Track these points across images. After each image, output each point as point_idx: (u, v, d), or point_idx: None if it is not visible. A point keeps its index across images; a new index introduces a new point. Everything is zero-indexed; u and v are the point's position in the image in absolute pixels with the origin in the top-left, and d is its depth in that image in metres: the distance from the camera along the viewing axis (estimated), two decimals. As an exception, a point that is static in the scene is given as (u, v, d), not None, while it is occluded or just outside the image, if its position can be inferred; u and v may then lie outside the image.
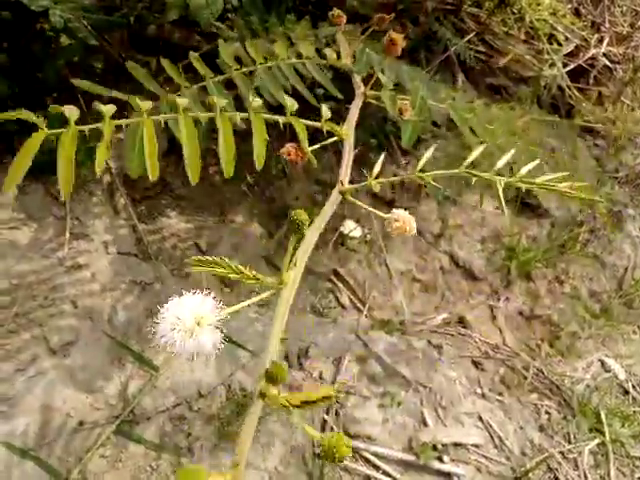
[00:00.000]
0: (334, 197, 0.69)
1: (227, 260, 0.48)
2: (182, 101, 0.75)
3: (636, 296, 1.94)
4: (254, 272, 0.49)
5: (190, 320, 0.44)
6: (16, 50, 1.25)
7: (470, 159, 0.72)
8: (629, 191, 2.18)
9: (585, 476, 1.41)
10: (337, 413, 1.27)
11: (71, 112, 0.65)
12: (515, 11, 1.66)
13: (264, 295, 0.49)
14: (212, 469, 1.16)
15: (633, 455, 1.52)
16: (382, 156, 0.73)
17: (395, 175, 1.66)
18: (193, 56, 0.96)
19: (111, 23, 1.28)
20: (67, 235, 1.25)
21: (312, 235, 0.58)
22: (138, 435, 1.14)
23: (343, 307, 1.53)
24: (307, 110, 1.02)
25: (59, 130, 0.66)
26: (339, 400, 1.30)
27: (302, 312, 1.44)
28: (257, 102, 0.77)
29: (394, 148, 1.66)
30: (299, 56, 1.05)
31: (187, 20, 1.28)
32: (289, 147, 0.77)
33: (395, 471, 1.23)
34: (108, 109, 0.69)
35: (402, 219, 0.65)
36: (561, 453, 1.44)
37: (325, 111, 0.78)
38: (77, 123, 0.69)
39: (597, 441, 1.50)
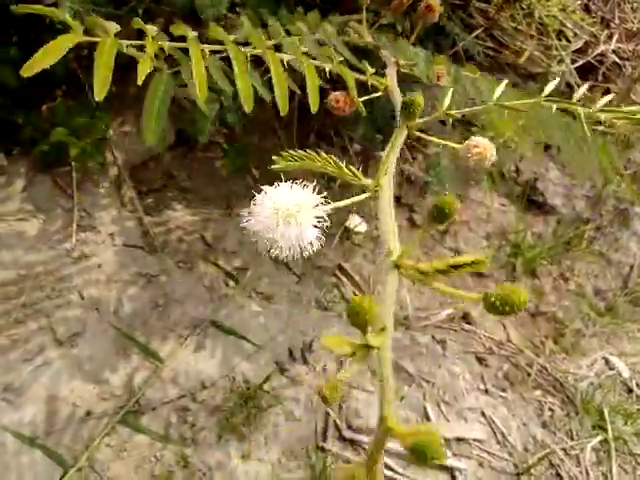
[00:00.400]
0: (402, 130, 0.64)
1: (320, 153, 0.44)
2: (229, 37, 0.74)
3: (641, 294, 1.94)
4: (352, 168, 0.47)
5: (292, 206, 0.40)
6: (26, 43, 1.25)
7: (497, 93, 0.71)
8: (637, 188, 2.16)
9: (587, 473, 1.42)
10: (340, 406, 1.27)
11: (110, 26, 0.66)
12: (524, 7, 1.65)
13: (363, 197, 0.46)
14: (216, 460, 1.17)
15: (635, 452, 1.52)
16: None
17: (402, 172, 1.66)
18: (213, 28, 0.93)
19: (120, 16, 1.28)
20: (74, 227, 1.26)
21: (396, 151, 0.56)
22: (143, 425, 1.15)
23: (347, 302, 1.54)
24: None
25: (96, 39, 0.65)
26: (343, 394, 1.30)
27: (307, 306, 1.45)
28: (304, 49, 0.75)
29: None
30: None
31: (196, 13, 1.28)
32: (337, 95, 0.74)
33: (398, 465, 1.23)
34: (150, 28, 0.69)
35: (482, 145, 0.60)
36: (563, 450, 1.44)
37: (368, 67, 0.76)
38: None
39: (599, 438, 1.50)
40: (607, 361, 1.77)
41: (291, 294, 1.44)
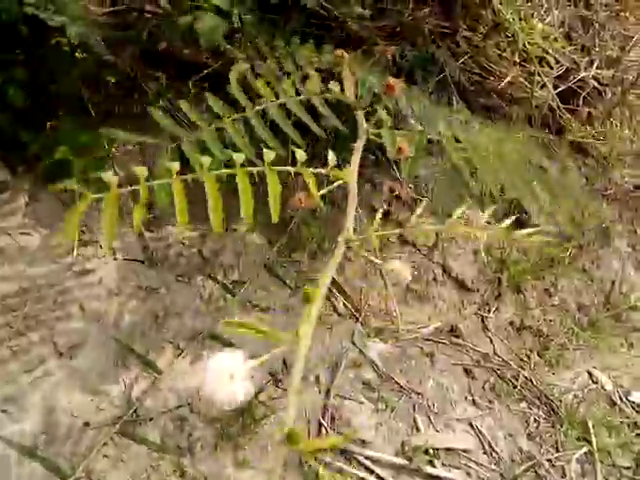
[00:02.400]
0: (340, 247, 0.76)
1: (253, 323, 0.57)
2: (205, 161, 0.82)
3: (623, 310, 2.00)
4: (276, 331, 0.57)
5: (226, 374, 0.52)
6: (32, 63, 1.31)
7: (456, 215, 0.79)
8: (618, 208, 2.25)
9: (572, 484, 1.46)
10: (333, 417, 1.31)
11: (111, 179, 0.74)
12: (508, 35, 1.74)
13: (281, 349, 0.56)
14: (212, 469, 1.20)
15: (619, 465, 1.57)
16: (381, 210, 0.80)
17: (392, 190, 1.72)
18: (210, 96, 1.02)
19: (124, 39, 1.34)
20: (76, 241, 1.30)
21: (320, 295, 0.64)
22: (140, 435, 1.18)
23: (339, 314, 1.58)
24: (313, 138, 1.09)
25: (102, 195, 0.76)
26: (334, 405, 1.34)
27: (300, 319, 1.49)
28: (270, 155, 0.83)
29: (390, 162, 1.72)
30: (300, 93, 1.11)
31: (196, 38, 1.34)
32: (299, 197, 0.83)
33: (388, 474, 1.27)
34: (142, 171, 0.77)
35: (397, 269, 0.73)
36: (549, 461, 1.48)
37: (331, 158, 0.84)
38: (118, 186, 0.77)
39: (584, 450, 1.54)
40: (590, 374, 1.83)
41: (286, 307, 1.48)
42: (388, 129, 0.96)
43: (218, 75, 1.34)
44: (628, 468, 1.56)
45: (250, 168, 0.83)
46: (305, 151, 0.84)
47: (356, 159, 0.90)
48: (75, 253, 1.29)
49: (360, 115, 0.98)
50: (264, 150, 0.85)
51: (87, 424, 1.16)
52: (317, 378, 1.37)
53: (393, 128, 0.95)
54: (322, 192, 0.85)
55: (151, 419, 1.20)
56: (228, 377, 0.52)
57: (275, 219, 0.85)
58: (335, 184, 0.86)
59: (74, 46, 1.27)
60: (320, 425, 1.29)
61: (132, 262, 1.34)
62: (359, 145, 0.93)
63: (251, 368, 0.53)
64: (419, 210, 0.78)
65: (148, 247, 1.37)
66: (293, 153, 0.88)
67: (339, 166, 0.86)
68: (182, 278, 1.39)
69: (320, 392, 1.36)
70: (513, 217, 0.82)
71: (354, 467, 1.26)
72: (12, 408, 1.12)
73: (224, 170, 0.84)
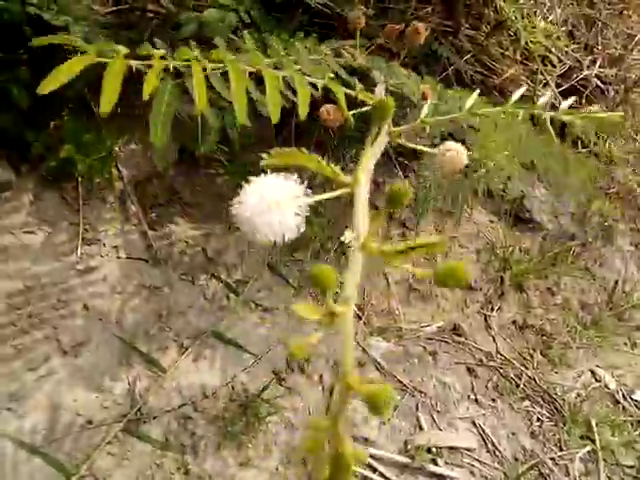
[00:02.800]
0: (384, 137, 0.68)
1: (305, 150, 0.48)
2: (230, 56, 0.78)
3: (626, 308, 2.00)
4: (332, 165, 0.51)
5: (276, 195, 0.43)
6: (36, 63, 1.31)
7: (469, 104, 0.76)
8: (620, 207, 2.24)
9: (575, 482, 1.46)
10: (336, 415, 1.31)
11: (121, 48, 0.70)
12: (511, 33, 1.74)
13: (342, 191, 0.50)
14: (215, 468, 1.20)
15: (623, 463, 1.57)
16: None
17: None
18: (215, 50, 0.99)
19: (127, 39, 1.34)
20: (80, 240, 1.30)
21: (377, 150, 0.59)
22: (144, 433, 1.18)
23: (343, 314, 1.58)
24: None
25: (108, 59, 0.69)
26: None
27: (304, 318, 1.49)
28: (298, 67, 0.80)
29: (393, 162, 1.73)
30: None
31: (200, 37, 1.34)
32: (328, 107, 0.76)
33: (391, 473, 1.27)
34: (159, 51, 0.73)
35: (454, 148, 0.64)
36: (552, 459, 1.49)
37: (358, 84, 0.80)
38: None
39: (588, 448, 1.54)
40: (594, 373, 1.82)
41: (289, 306, 1.49)
42: (412, 75, 0.94)
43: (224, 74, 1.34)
44: (632, 467, 1.56)
45: (277, 72, 0.78)
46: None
47: (381, 89, 0.86)
48: (79, 251, 1.29)
49: (376, 72, 0.95)
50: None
51: (91, 422, 1.16)
52: (321, 377, 1.38)
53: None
54: (353, 112, 0.77)
55: (155, 417, 1.20)
56: (278, 200, 0.43)
57: (303, 115, 0.75)
58: (363, 108, 0.81)
59: (77, 46, 1.27)
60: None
61: (136, 260, 1.35)
62: (381, 84, 0.89)
63: (305, 198, 0.44)
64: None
65: (152, 246, 1.38)
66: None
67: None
68: (186, 277, 1.40)
69: (324, 390, 1.36)
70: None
71: (357, 465, 1.26)
72: (16, 406, 1.13)
73: (247, 66, 0.77)
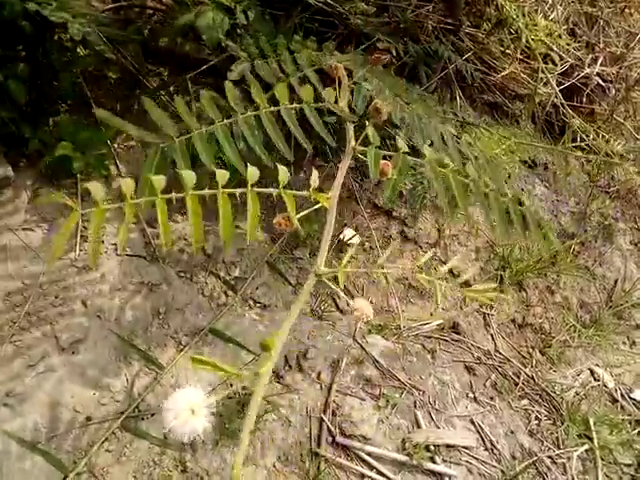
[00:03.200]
0: (310, 282, 0.78)
1: (215, 360, 0.62)
2: (188, 177, 0.83)
3: (625, 307, 2.00)
4: (236, 371, 0.64)
5: (186, 411, 0.57)
6: (34, 59, 1.31)
7: (422, 261, 0.82)
8: (620, 205, 2.24)
9: (573, 481, 1.46)
10: (334, 413, 1.31)
11: (97, 190, 0.75)
12: (512, 31, 1.73)
13: (240, 385, 0.64)
14: (213, 465, 1.21)
15: (621, 462, 1.57)
16: (356, 242, 0.84)
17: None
18: (204, 96, 1.02)
19: (126, 36, 1.34)
20: (78, 237, 1.30)
21: (277, 346, 0.67)
22: (143, 430, 1.18)
23: (341, 311, 1.58)
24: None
25: (90, 210, 0.78)
26: (336, 401, 1.35)
27: (302, 315, 1.49)
28: (254, 175, 0.83)
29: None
30: (300, 101, 1.11)
31: (197, 34, 1.34)
32: (280, 218, 0.87)
33: (389, 471, 1.27)
34: (129, 186, 0.77)
35: (360, 307, 0.77)
36: (550, 458, 1.49)
37: (314, 179, 0.84)
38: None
39: (586, 447, 1.55)
40: (592, 372, 1.83)
41: (287, 304, 1.49)
42: (374, 149, 0.96)
43: (219, 71, 1.33)
44: (629, 465, 1.56)
45: (232, 190, 0.83)
46: (294, 159, 0.84)
47: (338, 183, 0.91)
48: (78, 249, 1.29)
49: (350, 129, 0.99)
50: (248, 168, 0.85)
51: (89, 419, 1.17)
52: (319, 375, 1.38)
53: (379, 147, 0.95)
54: (300, 215, 0.87)
55: (153, 414, 1.20)
56: (188, 413, 0.57)
57: (251, 238, 0.86)
58: (315, 207, 0.89)
59: (76, 42, 1.27)
60: (321, 421, 1.30)
61: (134, 258, 1.35)
62: (344, 165, 0.94)
63: (209, 405, 0.58)
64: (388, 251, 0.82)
65: (150, 243, 1.38)
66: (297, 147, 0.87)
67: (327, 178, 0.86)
68: (184, 274, 1.40)
69: (322, 388, 1.36)
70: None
71: (355, 463, 1.27)
72: (15, 403, 1.13)
73: (206, 191, 0.84)
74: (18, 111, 1.28)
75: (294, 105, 1.09)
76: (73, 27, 1.20)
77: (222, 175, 0.82)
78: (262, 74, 1.14)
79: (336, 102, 1.06)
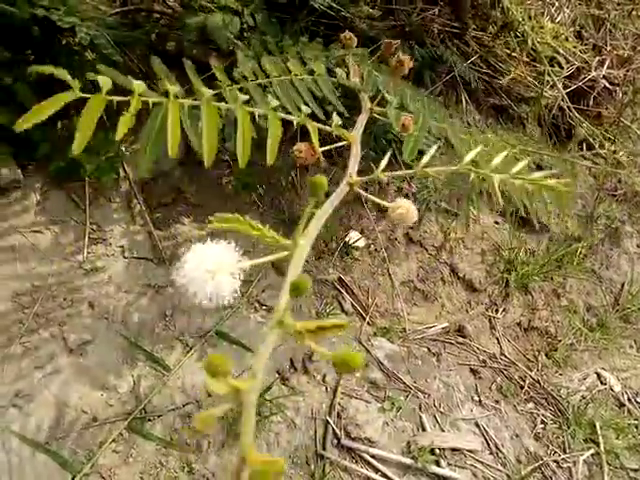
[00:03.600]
0: (342, 187, 0.71)
1: (248, 218, 0.51)
2: (207, 92, 0.79)
3: (632, 311, 1.99)
4: (272, 232, 0.53)
5: (212, 264, 0.45)
6: (43, 63, 1.32)
7: (469, 157, 0.76)
8: (627, 209, 2.23)
9: (579, 485, 1.45)
10: (339, 415, 1.32)
11: (105, 81, 0.70)
12: (518, 34, 1.73)
13: (279, 255, 0.52)
14: (219, 466, 1.21)
15: (627, 467, 1.56)
16: (389, 153, 0.77)
17: (400, 189, 1.72)
18: (215, 66, 1.02)
19: (133, 39, 1.35)
20: (86, 240, 1.31)
21: (324, 211, 0.60)
22: (149, 432, 1.19)
23: (346, 314, 1.59)
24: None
25: (89, 95, 0.68)
26: (341, 404, 1.35)
27: (308, 317, 1.50)
28: (274, 102, 0.82)
29: (393, 164, 1.72)
30: (311, 73, 1.12)
31: (205, 37, 1.35)
32: (301, 145, 0.79)
33: (393, 473, 1.27)
34: (138, 86, 0.73)
35: (405, 207, 0.67)
36: (556, 462, 1.48)
37: (335, 118, 0.82)
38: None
39: (592, 451, 1.54)
40: (599, 376, 1.82)
41: (293, 306, 1.49)
42: (393, 108, 0.95)
43: (227, 72, 1.34)
44: (636, 470, 1.55)
45: (251, 108, 0.81)
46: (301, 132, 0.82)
47: (360, 126, 0.88)
48: (85, 251, 1.30)
49: (365, 96, 0.98)
50: (268, 96, 0.83)
51: (96, 420, 1.17)
52: (324, 377, 1.38)
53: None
54: (324, 148, 0.80)
55: (159, 416, 1.21)
56: (212, 269, 0.45)
57: (271, 160, 0.80)
58: (338, 144, 0.84)
59: (84, 46, 1.28)
60: (327, 423, 1.30)
61: (141, 260, 1.36)
62: (362, 118, 0.92)
63: (241, 264, 0.46)
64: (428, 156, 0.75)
65: (157, 246, 1.39)
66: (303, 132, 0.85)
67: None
68: (190, 276, 1.40)
69: (327, 391, 1.36)
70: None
71: (360, 465, 1.27)
72: (23, 403, 1.14)
73: (222, 104, 0.81)
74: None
75: (306, 76, 1.07)
76: (81, 31, 1.21)
77: (242, 97, 0.78)
78: (268, 68, 1.14)
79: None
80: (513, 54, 1.75)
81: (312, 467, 1.23)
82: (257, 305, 1.47)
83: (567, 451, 1.52)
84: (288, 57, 1.18)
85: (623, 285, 2.04)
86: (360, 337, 1.52)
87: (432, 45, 1.51)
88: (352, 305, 1.60)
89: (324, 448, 1.26)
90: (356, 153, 0.82)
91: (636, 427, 1.67)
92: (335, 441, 1.28)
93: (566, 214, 1.78)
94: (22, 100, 1.25)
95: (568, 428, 1.57)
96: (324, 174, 0.58)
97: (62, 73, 0.70)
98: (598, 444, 1.55)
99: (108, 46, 1.25)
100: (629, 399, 1.77)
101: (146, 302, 1.31)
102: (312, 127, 0.80)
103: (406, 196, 1.78)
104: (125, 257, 1.34)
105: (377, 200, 0.73)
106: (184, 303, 1.36)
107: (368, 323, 1.58)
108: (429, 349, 1.57)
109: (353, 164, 0.78)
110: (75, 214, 1.33)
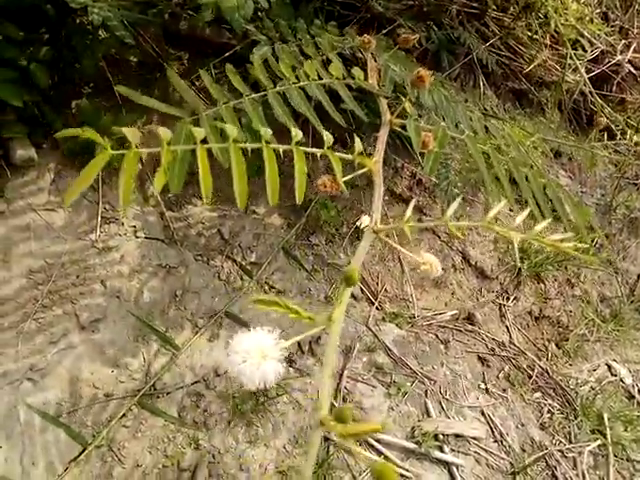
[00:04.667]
0: (368, 238, 0.74)
1: (287, 301, 0.56)
2: (231, 131, 0.80)
3: (648, 303, 1.96)
4: (308, 313, 0.57)
5: (257, 354, 0.51)
6: (56, 42, 1.32)
7: (491, 214, 0.76)
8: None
9: (583, 476, 1.45)
10: (344, 399, 1.33)
11: (134, 135, 0.73)
12: (540, 16, 1.67)
13: (314, 331, 0.57)
14: (225, 444, 1.23)
15: (633, 459, 1.56)
16: (412, 203, 0.78)
17: (413, 175, 1.70)
18: (229, 69, 1.01)
19: (146, 20, 1.34)
20: (99, 219, 1.33)
21: (347, 293, 0.63)
22: (158, 408, 1.22)
23: (356, 298, 1.59)
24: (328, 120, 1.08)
25: (122, 152, 0.74)
26: (347, 387, 1.36)
27: (316, 301, 1.51)
28: (298, 135, 0.82)
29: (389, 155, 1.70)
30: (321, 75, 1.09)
31: (219, 18, 1.33)
32: (325, 180, 0.82)
33: (397, 457, 1.29)
34: (165, 134, 0.75)
35: (429, 262, 0.72)
36: (560, 452, 1.48)
37: (358, 144, 0.82)
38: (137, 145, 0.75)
39: (598, 443, 1.54)
40: (610, 367, 1.80)
41: (302, 289, 1.50)
42: (413, 121, 0.94)
43: (240, 57, 1.33)
44: (642, 462, 1.54)
45: (276, 145, 0.82)
46: (312, 137, 0.82)
47: (381, 148, 0.89)
48: (98, 231, 1.32)
49: (383, 103, 0.97)
50: (291, 129, 0.84)
51: (107, 395, 1.21)
52: (330, 360, 1.39)
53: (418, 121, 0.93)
54: (347, 178, 0.83)
55: (168, 393, 1.24)
56: (259, 357, 0.50)
57: (300, 199, 0.83)
58: (360, 172, 0.85)
59: (96, 26, 1.28)
60: (332, 406, 1.32)
61: (153, 241, 1.37)
62: (383, 134, 0.92)
63: (281, 349, 0.51)
64: (452, 208, 0.76)
65: (169, 226, 1.40)
66: (314, 137, 0.87)
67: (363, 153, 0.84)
68: (201, 258, 1.42)
69: (333, 374, 1.38)
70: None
71: (364, 448, 1.29)
72: (38, 377, 1.17)
73: (250, 144, 0.83)
74: (41, 94, 1.30)
75: (323, 81, 1.07)
76: (93, 12, 1.20)
77: (267, 132, 0.81)
78: (282, 57, 1.13)
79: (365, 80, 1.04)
80: (535, 37, 1.69)
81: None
82: (267, 287, 1.48)
83: (573, 441, 1.51)
84: (302, 47, 1.16)
85: (639, 276, 2.00)
86: (368, 322, 1.53)
87: (450, 26, 1.47)
88: (361, 290, 1.61)
89: (329, 430, 1.28)
90: (379, 188, 0.82)
91: (645, 419, 1.66)
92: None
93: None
94: (37, 81, 1.26)
95: (575, 419, 1.56)
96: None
97: (91, 135, 0.72)
98: (605, 435, 1.55)
99: (120, 28, 1.24)
100: (639, 391, 1.76)
101: (157, 282, 1.33)
102: (335, 160, 0.81)
103: (426, 189, 1.75)
104: (137, 237, 1.36)
105: (407, 253, 0.74)
106: (194, 284, 1.38)
107: (377, 308, 1.59)
108: (437, 336, 1.57)
109: (377, 202, 0.78)
110: (88, 194, 1.34)
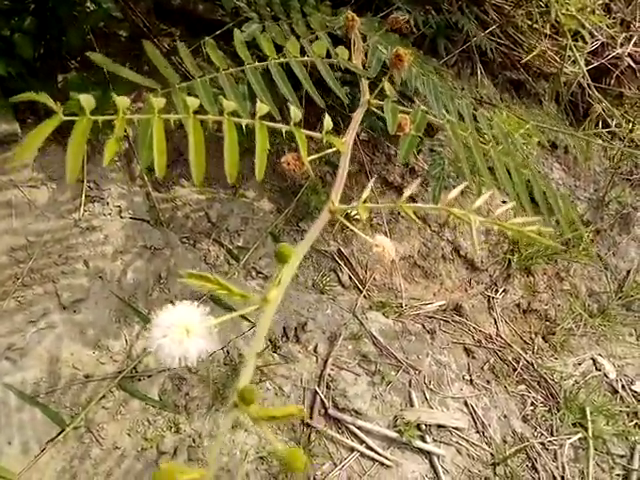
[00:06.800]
0: (323, 217, 0.72)
1: (217, 277, 0.53)
2: (193, 101, 0.78)
3: (635, 299, 1.96)
4: (241, 291, 0.54)
5: (180, 329, 0.47)
6: (42, 13, 1.28)
7: (450, 196, 0.73)
8: (641, 194, 2.17)
9: (563, 468, 1.46)
10: (328, 386, 1.33)
11: (88, 101, 0.68)
12: (541, 4, 1.64)
13: (249, 309, 0.54)
14: (206, 428, 1.23)
15: (614, 452, 1.57)
16: (372, 181, 0.75)
17: (406, 163, 1.68)
18: (209, 43, 0.98)
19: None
20: (83, 198, 1.30)
21: (297, 258, 0.59)
22: (139, 391, 1.21)
23: (343, 286, 1.58)
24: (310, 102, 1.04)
25: (74, 117, 0.69)
26: (331, 375, 1.36)
27: (304, 288, 1.49)
28: (263, 109, 0.79)
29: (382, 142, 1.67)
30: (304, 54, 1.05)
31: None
32: (289, 157, 0.79)
33: (379, 446, 1.29)
34: (122, 102, 0.71)
35: (382, 245, 0.69)
36: (542, 444, 1.49)
37: (327, 122, 0.79)
38: (93, 111, 0.72)
39: (579, 436, 1.54)
40: (595, 361, 1.81)
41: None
42: (390, 102, 0.91)
43: (232, 35, 1.29)
44: (622, 456, 1.56)
45: (238, 119, 0.79)
46: (303, 118, 0.79)
47: (353, 128, 0.86)
48: (82, 210, 1.30)
49: (364, 84, 0.94)
50: (257, 103, 0.81)
51: (87, 376, 1.19)
52: (315, 347, 1.38)
53: (396, 103, 0.90)
54: (312, 157, 0.81)
55: (150, 376, 1.23)
56: (182, 332, 0.47)
57: (259, 177, 0.80)
58: (328, 151, 0.82)
59: (85, -2, 1.24)
60: (315, 394, 1.31)
61: (138, 221, 1.35)
62: (358, 114, 0.88)
63: (208, 326, 0.48)
64: (412, 187, 0.73)
65: (155, 207, 1.37)
66: (307, 120, 0.83)
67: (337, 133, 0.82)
68: (187, 240, 1.40)
69: (317, 361, 1.37)
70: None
71: (345, 436, 1.28)
72: (16, 356, 1.16)
73: (210, 116, 0.80)
74: (26, 66, 1.26)
75: (305, 58, 1.03)
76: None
77: (229, 105, 0.77)
78: (272, 35, 1.10)
79: (349, 60, 1.01)
80: (534, 26, 1.66)
81: (298, 434, 1.25)
82: (254, 273, 1.46)
83: (554, 434, 1.52)
84: (293, 25, 1.12)
85: (629, 272, 2.00)
86: (355, 310, 1.52)
87: (448, 11, 1.44)
88: (350, 278, 1.59)
89: (311, 417, 1.27)
90: (343, 168, 0.79)
91: (627, 414, 1.67)
92: (322, 411, 1.30)
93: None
94: (20, 52, 1.22)
95: (558, 412, 1.57)
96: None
97: (43, 98, 0.68)
98: (586, 429, 1.56)
99: (108, 0, 1.20)
100: (623, 386, 1.77)
101: (141, 263, 1.31)
102: (301, 138, 0.78)
103: (419, 177, 1.73)
104: (122, 217, 1.33)
105: (363, 235, 0.71)
106: (180, 267, 1.35)
107: (364, 296, 1.57)
108: (424, 326, 1.56)
109: (338, 185, 0.76)
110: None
